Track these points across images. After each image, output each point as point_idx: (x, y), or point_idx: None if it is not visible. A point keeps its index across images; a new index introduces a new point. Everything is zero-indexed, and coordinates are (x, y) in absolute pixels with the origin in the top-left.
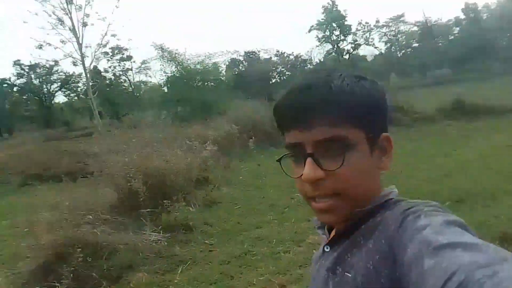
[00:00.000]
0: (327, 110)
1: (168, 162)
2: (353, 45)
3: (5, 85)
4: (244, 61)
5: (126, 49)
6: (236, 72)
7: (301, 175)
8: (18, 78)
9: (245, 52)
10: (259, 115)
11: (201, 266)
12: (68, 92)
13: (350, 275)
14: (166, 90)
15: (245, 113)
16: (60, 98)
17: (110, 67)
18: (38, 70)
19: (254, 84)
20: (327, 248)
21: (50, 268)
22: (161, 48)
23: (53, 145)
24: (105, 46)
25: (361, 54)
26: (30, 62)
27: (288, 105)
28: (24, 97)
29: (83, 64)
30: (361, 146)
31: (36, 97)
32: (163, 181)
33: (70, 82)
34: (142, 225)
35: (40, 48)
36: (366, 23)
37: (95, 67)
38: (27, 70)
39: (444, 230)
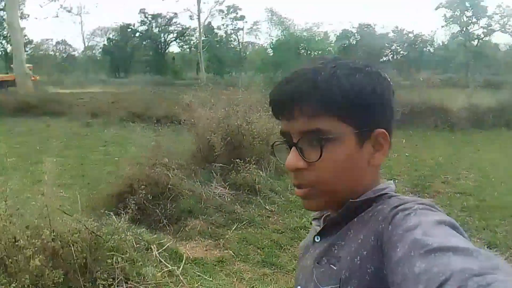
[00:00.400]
0: (308, 102)
1: (249, 123)
2: (485, 30)
3: (129, 29)
4: (356, 34)
5: (240, 9)
6: (345, 45)
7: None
8: (141, 25)
9: (359, 24)
10: None
11: (255, 229)
12: (182, 43)
13: (335, 268)
14: (270, 54)
15: None
16: (174, 48)
17: (223, 24)
18: (159, 20)
19: (362, 59)
20: (317, 238)
21: (122, 197)
22: (271, 10)
23: (158, 90)
24: (221, 3)
25: (493, 42)
26: (154, 12)
27: (276, 95)
28: (144, 43)
29: (199, 19)
30: (347, 140)
31: (153, 45)
32: (240, 141)
33: (185, 34)
34: (211, 178)
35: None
36: (507, 6)
37: (209, 23)
38: (150, 18)
39: (434, 232)
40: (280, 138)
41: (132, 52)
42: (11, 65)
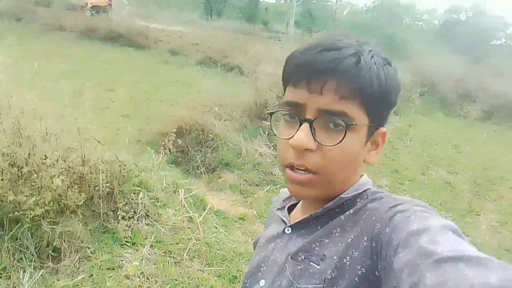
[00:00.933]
0: (346, 82)
1: None
2: None
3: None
4: (468, 10)
5: None
6: (453, 20)
7: (289, 138)
8: None
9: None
10: (452, 72)
11: None
12: None
13: (318, 266)
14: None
15: (432, 66)
16: None
17: None
18: None
19: (467, 39)
20: (288, 230)
21: (168, 137)
22: None
23: (242, 38)
24: None
25: None
26: None
27: (306, 61)
28: None
29: None
30: (361, 132)
31: None
32: None
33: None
34: (257, 135)
35: None
36: None
37: None
38: None
39: (440, 238)
40: (284, 108)
41: None
42: None
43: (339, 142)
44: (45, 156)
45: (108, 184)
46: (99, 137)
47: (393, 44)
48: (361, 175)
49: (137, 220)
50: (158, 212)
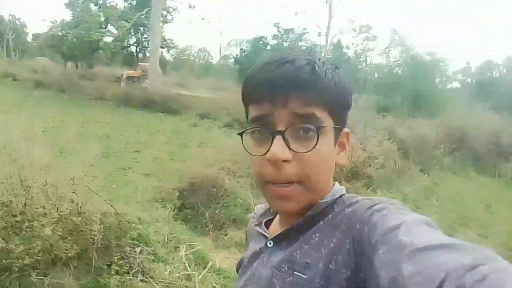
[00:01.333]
0: (308, 90)
1: None
2: None
3: (261, 42)
4: (501, 67)
5: (371, 28)
6: (486, 77)
7: (265, 153)
8: (272, 39)
9: (507, 56)
10: (484, 129)
11: None
12: None
13: (304, 276)
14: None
15: (463, 121)
16: None
17: (352, 44)
18: (290, 35)
19: (501, 95)
20: (269, 243)
21: (181, 194)
22: (394, 30)
23: None
24: (353, 22)
25: None
26: (287, 26)
27: (265, 77)
28: None
29: (327, 36)
30: (330, 134)
31: None
32: None
33: (313, 51)
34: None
35: (296, 14)
36: None
37: (338, 40)
38: (282, 33)
39: (416, 231)
40: (252, 125)
41: None
42: (139, 63)
43: (313, 147)
44: (41, 206)
45: (104, 237)
46: (117, 194)
47: (424, 101)
48: (333, 183)
49: (132, 276)
50: (154, 268)
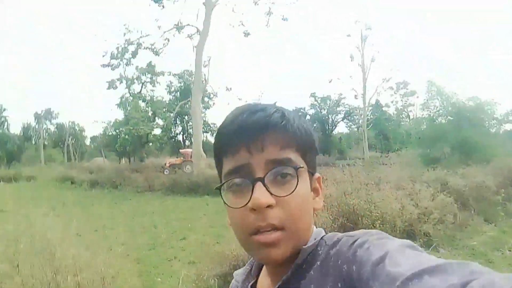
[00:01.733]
0: (281, 133)
1: (371, 203)
2: None
3: (300, 113)
4: None
5: (409, 83)
6: None
7: (246, 203)
8: (310, 108)
9: None
10: None
11: None
12: (350, 123)
13: None
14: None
15: None
16: (342, 128)
17: (392, 101)
18: (327, 102)
19: None
20: None
21: (225, 279)
22: (430, 82)
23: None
24: (388, 80)
25: None
26: (323, 95)
27: (239, 126)
28: (315, 125)
29: (364, 97)
30: (305, 177)
31: (321, 126)
32: (356, 222)
33: (352, 114)
34: None
35: (330, 82)
36: None
37: (376, 101)
38: (319, 101)
39: (401, 259)
40: (229, 178)
41: None
42: (180, 150)
43: (294, 189)
44: None
45: None
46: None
47: (474, 148)
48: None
49: None
50: None
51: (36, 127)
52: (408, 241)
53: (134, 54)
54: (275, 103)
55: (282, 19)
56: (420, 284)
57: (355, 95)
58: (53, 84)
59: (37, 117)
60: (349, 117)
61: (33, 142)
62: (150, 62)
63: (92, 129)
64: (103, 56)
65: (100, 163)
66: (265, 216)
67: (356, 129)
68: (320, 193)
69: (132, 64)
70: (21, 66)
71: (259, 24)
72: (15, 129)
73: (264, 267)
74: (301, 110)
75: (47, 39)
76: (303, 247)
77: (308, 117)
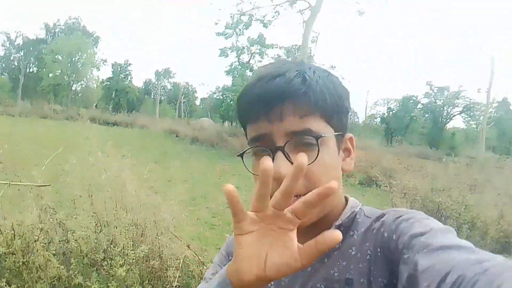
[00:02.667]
0: (302, 101)
1: (460, 204)
2: None
3: (411, 101)
4: None
5: None
6: None
7: None
8: (424, 97)
9: None
10: None
11: None
12: (469, 118)
13: None
14: None
15: None
16: (458, 122)
17: None
18: (445, 93)
19: None
20: None
21: None
22: None
23: (417, 162)
24: None
25: None
26: (441, 84)
27: (258, 93)
28: (426, 115)
29: (488, 92)
30: (331, 143)
31: (434, 117)
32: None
33: (472, 109)
34: None
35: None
36: None
37: (504, 98)
38: (435, 91)
39: (439, 235)
40: (252, 145)
41: (409, 123)
42: None
43: (315, 159)
44: (122, 245)
45: (185, 283)
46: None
47: None
48: (345, 197)
49: None
50: None
51: (156, 83)
52: (451, 227)
53: (247, 25)
54: (300, 63)
55: None
56: (443, 254)
57: (479, 89)
58: (173, 47)
59: (157, 74)
60: (468, 111)
61: (152, 96)
62: (262, 34)
63: (203, 90)
64: (216, 24)
65: (205, 123)
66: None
67: (475, 126)
68: (352, 154)
69: (244, 35)
70: (146, 29)
71: (376, 3)
72: (139, 82)
73: None
74: (413, 97)
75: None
76: (344, 212)
77: (420, 106)
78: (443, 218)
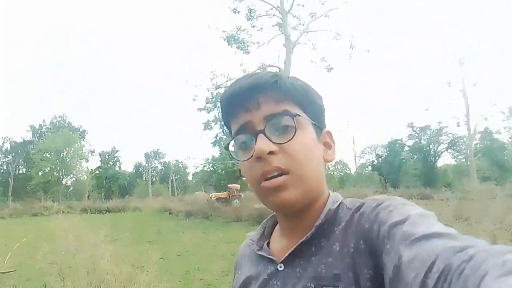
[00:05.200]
0: (274, 89)
1: None
2: None
3: (397, 144)
4: None
5: None
6: None
7: (252, 155)
8: (409, 139)
9: None
10: None
11: None
12: (456, 153)
13: None
14: None
15: None
16: (447, 159)
17: (504, 127)
18: (427, 132)
19: None
20: (280, 266)
21: None
22: None
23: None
24: (495, 105)
25: None
26: (422, 124)
27: (234, 90)
28: (415, 156)
29: (467, 125)
30: (308, 128)
31: (422, 157)
32: None
33: (457, 143)
34: None
35: (426, 110)
36: None
37: (485, 128)
38: (417, 131)
39: (419, 222)
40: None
41: (400, 166)
42: (228, 185)
43: (293, 136)
44: None
45: None
46: None
47: None
48: (329, 192)
49: None
50: None
51: (146, 165)
52: (431, 212)
53: None
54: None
55: (365, 50)
56: (426, 244)
57: (457, 123)
58: (158, 127)
59: (147, 156)
60: (454, 147)
61: (144, 178)
62: None
63: (192, 165)
64: (194, 100)
65: (199, 196)
66: (270, 162)
67: (464, 160)
68: (333, 147)
69: None
70: (131, 114)
71: (342, 58)
72: (129, 167)
73: (276, 228)
74: (398, 141)
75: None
76: (323, 210)
77: (407, 148)
78: None
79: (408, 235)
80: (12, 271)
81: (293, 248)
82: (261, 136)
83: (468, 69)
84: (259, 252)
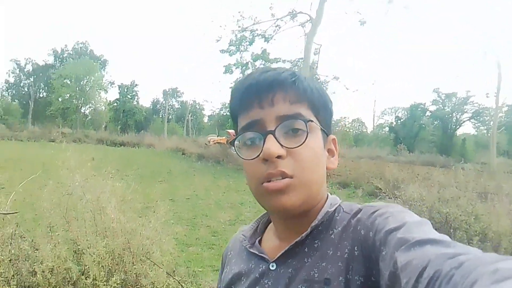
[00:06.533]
0: (291, 89)
1: (469, 214)
2: None
3: (419, 109)
4: None
5: None
6: None
7: (259, 154)
8: (432, 104)
9: None
10: None
11: None
12: (479, 124)
13: None
14: None
15: None
16: (467, 128)
17: None
18: (453, 99)
19: None
20: (272, 266)
21: None
22: None
23: (427, 170)
24: None
25: None
26: (449, 91)
27: (250, 84)
28: (436, 122)
29: (497, 96)
30: (318, 133)
31: (443, 124)
32: (447, 234)
33: (482, 114)
34: None
35: (457, 77)
36: None
37: None
38: (443, 97)
39: (415, 229)
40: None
41: (418, 131)
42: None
43: (304, 141)
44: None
45: None
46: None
47: None
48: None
49: None
50: None
51: (163, 102)
52: (427, 220)
53: (251, 42)
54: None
55: (404, 7)
56: (420, 249)
57: (487, 94)
58: (180, 66)
59: (164, 94)
60: (478, 117)
61: (160, 115)
62: (265, 49)
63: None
64: (217, 41)
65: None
66: (276, 165)
67: (485, 132)
68: (336, 154)
69: (248, 51)
70: (153, 50)
71: (377, 13)
72: (146, 102)
73: (270, 226)
74: (421, 105)
75: (175, 26)
76: (320, 211)
77: (428, 113)
78: (451, 230)
79: (403, 241)
80: (15, 212)
81: (286, 248)
82: (270, 137)
83: (507, 40)
84: (251, 250)
